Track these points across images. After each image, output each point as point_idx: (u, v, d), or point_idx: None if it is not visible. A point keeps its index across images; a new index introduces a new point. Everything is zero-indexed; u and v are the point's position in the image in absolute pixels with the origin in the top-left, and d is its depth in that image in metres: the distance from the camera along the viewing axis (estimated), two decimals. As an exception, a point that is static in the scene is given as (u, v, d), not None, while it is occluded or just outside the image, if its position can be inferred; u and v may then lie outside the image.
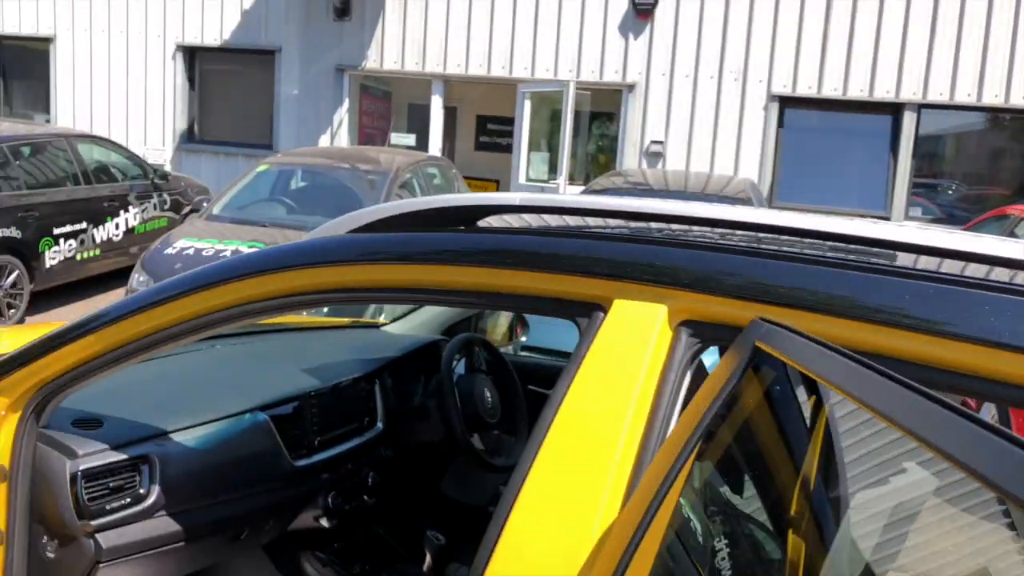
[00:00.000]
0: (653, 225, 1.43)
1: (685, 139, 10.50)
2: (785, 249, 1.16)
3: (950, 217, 10.25)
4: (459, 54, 10.97)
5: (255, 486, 1.96)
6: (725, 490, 1.23)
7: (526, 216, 1.54)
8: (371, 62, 11.22)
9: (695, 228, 1.45)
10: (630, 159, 10.63)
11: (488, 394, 2.51)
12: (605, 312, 1.16)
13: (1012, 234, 6.49)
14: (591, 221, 1.49)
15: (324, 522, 2.18)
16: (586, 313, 1.19)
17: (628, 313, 1.15)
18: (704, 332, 1.12)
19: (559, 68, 10.69)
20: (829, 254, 1.15)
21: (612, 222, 1.45)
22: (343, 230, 1.48)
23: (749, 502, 1.25)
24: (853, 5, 9.91)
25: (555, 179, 10.43)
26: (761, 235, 1.33)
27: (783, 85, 10.19)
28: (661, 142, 10.51)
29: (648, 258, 1.19)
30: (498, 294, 1.28)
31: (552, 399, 1.15)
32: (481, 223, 1.44)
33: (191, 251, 5.95)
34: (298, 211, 6.84)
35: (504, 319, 3.14)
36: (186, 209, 8.80)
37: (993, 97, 9.74)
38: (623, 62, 10.56)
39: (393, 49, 11.15)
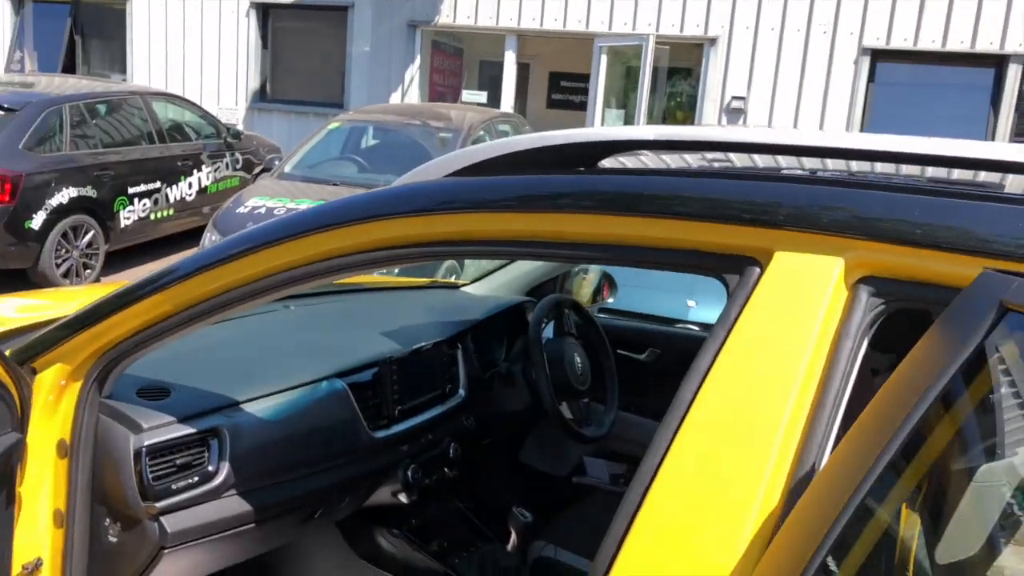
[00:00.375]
0: (807, 162, 1.19)
1: (768, 95, 10.01)
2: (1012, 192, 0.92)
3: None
4: (534, 7, 10.64)
5: (332, 460, 1.80)
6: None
7: (648, 157, 1.32)
8: (444, 17, 10.97)
9: (859, 165, 1.21)
10: (709, 116, 10.20)
11: (578, 360, 2.31)
12: (762, 267, 0.95)
13: None
14: (736, 160, 1.25)
15: (402, 497, 2.02)
16: (737, 268, 0.97)
17: (793, 268, 0.93)
18: (891, 291, 0.90)
19: (637, 21, 10.27)
20: None
21: (765, 159, 1.21)
22: (440, 174, 1.27)
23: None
24: (957, -51, 9.24)
25: (631, 138, 10.06)
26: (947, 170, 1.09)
27: (876, 38, 9.59)
28: (743, 98, 10.04)
29: (822, 201, 0.95)
30: (628, 247, 1.06)
31: (692, 374, 0.94)
32: (603, 164, 1.22)
33: (263, 210, 5.86)
34: (369, 169, 6.70)
35: (592, 278, 2.92)
36: (258, 168, 8.76)
37: (1110, 48, 9.01)
38: (705, 15, 10.09)
39: (467, 3, 10.88)
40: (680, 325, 3.74)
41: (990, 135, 9.47)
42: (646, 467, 0.93)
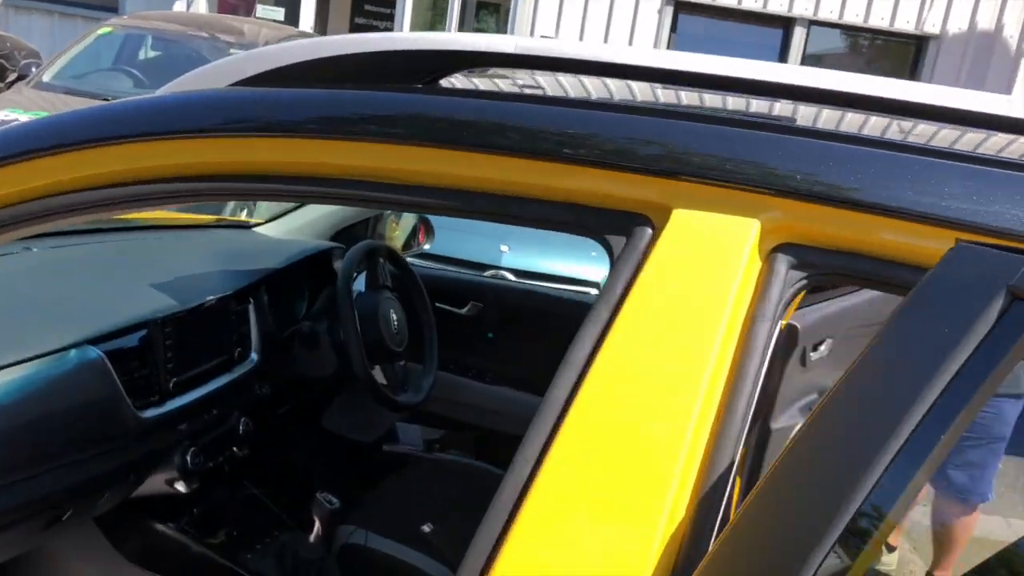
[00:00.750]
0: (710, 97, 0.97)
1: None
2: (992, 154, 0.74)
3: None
4: (337, -78, 9.89)
5: (83, 451, 1.42)
6: None
7: (494, 78, 1.05)
8: (235, -78, 9.96)
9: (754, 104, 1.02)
10: (518, 55, 10.04)
11: (394, 316, 2.03)
12: (656, 228, 0.75)
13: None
14: (617, 89, 1.02)
15: (180, 487, 1.67)
16: (623, 229, 0.76)
17: (695, 230, 0.74)
18: (815, 262, 0.72)
19: (447, -52, 9.83)
20: None
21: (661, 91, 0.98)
22: (223, 81, 0.94)
23: None
24: (759, -92, 9.56)
25: (438, 71, 9.72)
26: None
27: (680, -11, 9.79)
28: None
29: (735, 147, 0.75)
30: (481, 194, 0.81)
31: (567, 365, 0.73)
32: (444, 82, 0.94)
33: (15, 124, 5.02)
34: (147, 84, 5.92)
35: (407, 221, 2.63)
36: (11, 76, 7.55)
37: (879, 20, 9.72)
38: (517, -52, 9.82)
39: (261, -91, 9.92)
40: (493, 272, 3.55)
41: (775, 93, 10.00)
42: (513, 481, 0.71)
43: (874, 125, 0.92)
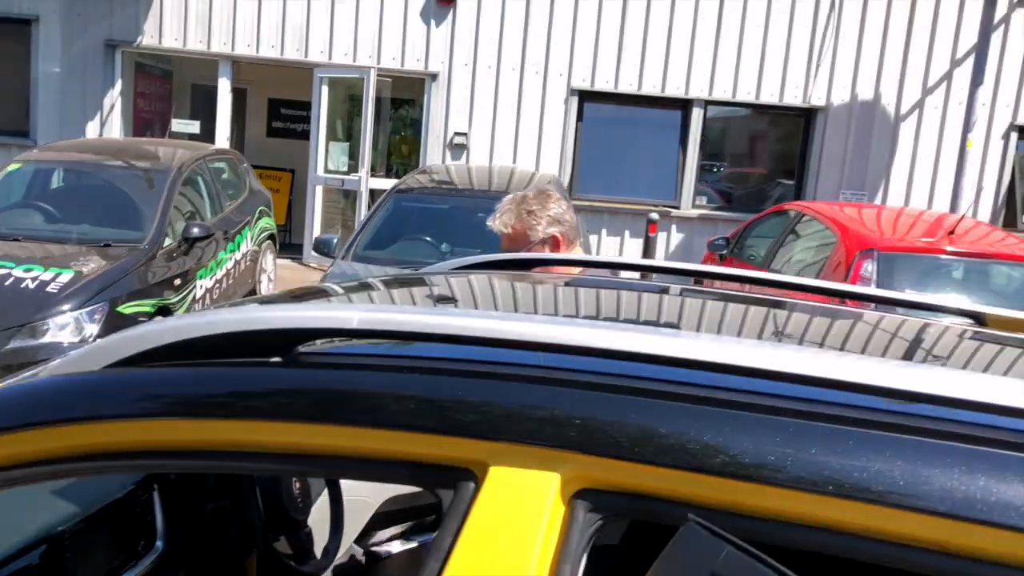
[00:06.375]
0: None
1: (488, 131, 10.36)
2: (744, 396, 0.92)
3: (720, 194, 10.93)
4: (248, 33, 10.15)
5: None
6: None
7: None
8: (148, 38, 10.12)
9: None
10: (433, 150, 10.34)
11: (295, 482, 2.16)
12: (478, 482, 0.90)
13: (793, 231, 6.76)
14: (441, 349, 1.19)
15: None
16: (450, 483, 0.91)
17: (509, 483, 0.88)
18: (609, 504, 0.88)
19: (358, 53, 10.17)
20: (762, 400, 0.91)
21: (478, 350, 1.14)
22: (97, 364, 1.10)
23: None
24: (647, 7, 10.15)
25: (357, 172, 9.96)
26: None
27: (582, 79, 10.28)
28: (465, 134, 10.30)
29: (533, 409, 0.92)
30: (339, 458, 0.97)
31: None
32: (303, 348, 1.08)
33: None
34: (60, 219, 5.97)
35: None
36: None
37: (770, 96, 10.36)
38: (425, 50, 10.22)
39: (173, 24, 10.12)
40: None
41: (681, 169, 10.50)
42: None
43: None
